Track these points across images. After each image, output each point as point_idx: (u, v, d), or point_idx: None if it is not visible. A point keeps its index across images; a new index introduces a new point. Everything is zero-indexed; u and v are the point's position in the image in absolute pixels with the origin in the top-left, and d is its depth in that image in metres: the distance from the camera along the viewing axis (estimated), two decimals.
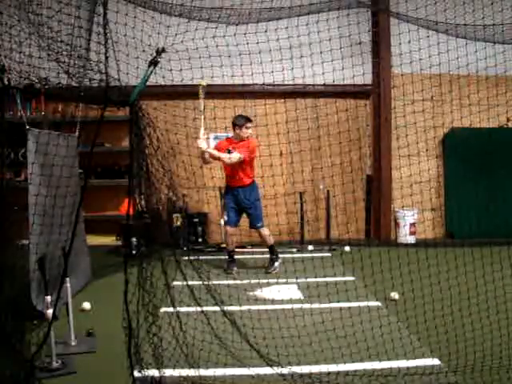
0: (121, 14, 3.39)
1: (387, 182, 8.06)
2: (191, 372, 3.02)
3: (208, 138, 5.88)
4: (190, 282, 3.11)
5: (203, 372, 3.04)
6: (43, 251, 3.83)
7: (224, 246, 7.00)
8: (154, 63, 2.63)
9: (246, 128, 5.86)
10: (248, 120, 5.89)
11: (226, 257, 6.21)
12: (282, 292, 4.97)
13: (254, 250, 6.94)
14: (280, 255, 6.23)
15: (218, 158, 5.84)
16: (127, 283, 2.70)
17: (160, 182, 2.95)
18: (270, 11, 5.60)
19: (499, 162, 7.72)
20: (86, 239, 5.65)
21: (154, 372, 2.91)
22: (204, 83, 5.39)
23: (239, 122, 5.87)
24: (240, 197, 5.99)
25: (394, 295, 4.63)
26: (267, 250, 6.21)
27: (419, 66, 4.89)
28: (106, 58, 2.55)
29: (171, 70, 3.26)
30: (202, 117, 5.54)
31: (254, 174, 6.08)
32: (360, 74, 4.78)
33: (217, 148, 6.03)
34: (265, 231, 6.10)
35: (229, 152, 5.85)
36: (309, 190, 7.85)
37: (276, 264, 6.11)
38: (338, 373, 3.07)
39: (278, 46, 4.43)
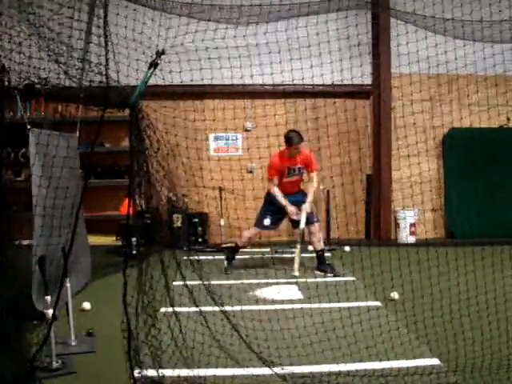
0: (121, 16, 3.40)
1: (387, 183, 8.06)
2: (191, 373, 3.02)
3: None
4: (189, 283, 3.11)
5: (203, 373, 3.04)
6: (44, 251, 3.83)
7: (225, 245, 7.01)
8: (154, 65, 2.64)
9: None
10: (302, 139, 5.76)
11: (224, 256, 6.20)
12: (282, 292, 4.98)
13: (254, 250, 6.94)
14: (280, 255, 6.20)
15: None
16: (126, 285, 2.70)
17: (160, 183, 2.95)
18: (270, 13, 5.60)
19: (499, 161, 7.72)
20: (87, 239, 5.66)
21: (153, 373, 2.91)
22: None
23: (295, 140, 5.71)
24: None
25: (394, 295, 4.63)
26: (266, 249, 6.03)
27: (419, 67, 4.90)
28: (107, 59, 2.55)
29: (171, 71, 3.27)
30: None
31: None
32: (360, 74, 4.79)
33: (275, 166, 5.83)
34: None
35: (289, 173, 5.82)
36: None
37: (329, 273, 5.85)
38: (338, 373, 3.07)
39: (278, 48, 4.44)
